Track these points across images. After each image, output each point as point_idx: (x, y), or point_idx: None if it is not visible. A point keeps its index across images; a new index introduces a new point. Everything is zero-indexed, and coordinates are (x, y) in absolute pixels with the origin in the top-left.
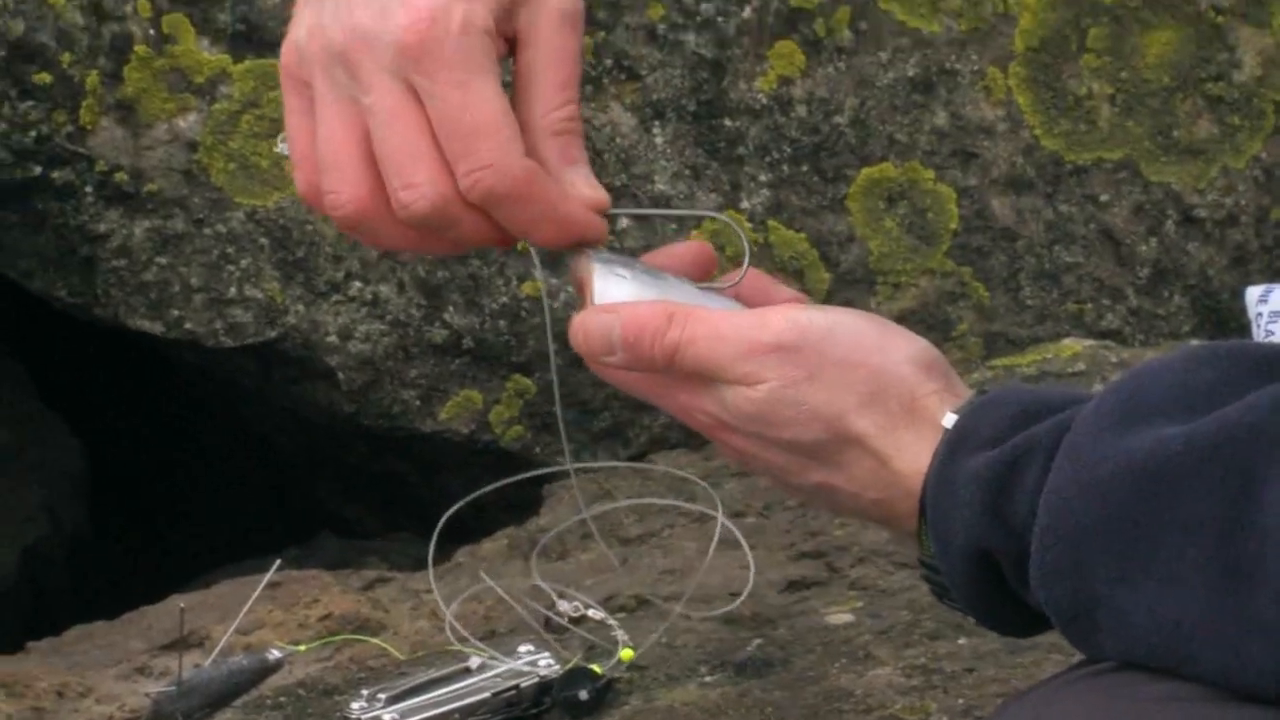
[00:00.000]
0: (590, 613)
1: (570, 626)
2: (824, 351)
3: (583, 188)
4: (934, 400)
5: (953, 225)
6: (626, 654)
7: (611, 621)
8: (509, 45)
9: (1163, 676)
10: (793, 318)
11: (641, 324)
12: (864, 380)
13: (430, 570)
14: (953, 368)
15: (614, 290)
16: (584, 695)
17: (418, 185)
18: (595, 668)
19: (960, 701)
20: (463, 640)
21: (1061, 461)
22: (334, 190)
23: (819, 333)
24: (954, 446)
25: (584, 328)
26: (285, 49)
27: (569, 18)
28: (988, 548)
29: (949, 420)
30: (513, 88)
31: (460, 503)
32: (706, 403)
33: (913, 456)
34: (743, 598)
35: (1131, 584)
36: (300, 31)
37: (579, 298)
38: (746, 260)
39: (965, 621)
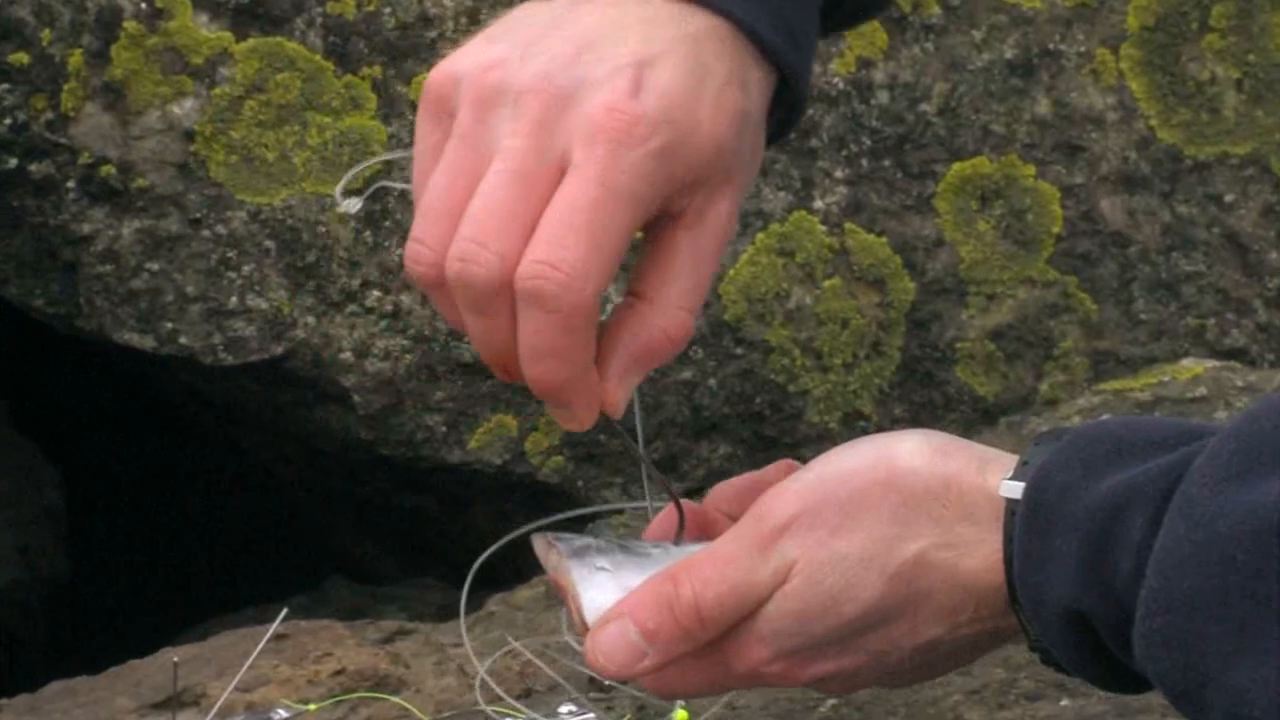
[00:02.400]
0: None
1: (617, 684)
2: (830, 500)
3: (620, 391)
4: (972, 477)
5: (1055, 228)
6: (682, 716)
7: None
8: (659, 211)
9: None
10: (779, 494)
11: (653, 607)
12: (886, 502)
13: (461, 619)
14: (1057, 391)
15: (602, 597)
16: None
17: (486, 247)
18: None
19: None
20: (495, 700)
21: (1173, 516)
22: (421, 240)
23: (813, 487)
24: (1037, 500)
25: (601, 649)
26: (438, 74)
27: (735, 217)
28: (1083, 610)
29: (1008, 489)
30: (649, 254)
31: (503, 540)
32: (758, 647)
33: (980, 546)
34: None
35: (1252, 659)
36: (468, 61)
37: (558, 592)
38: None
39: (1068, 680)
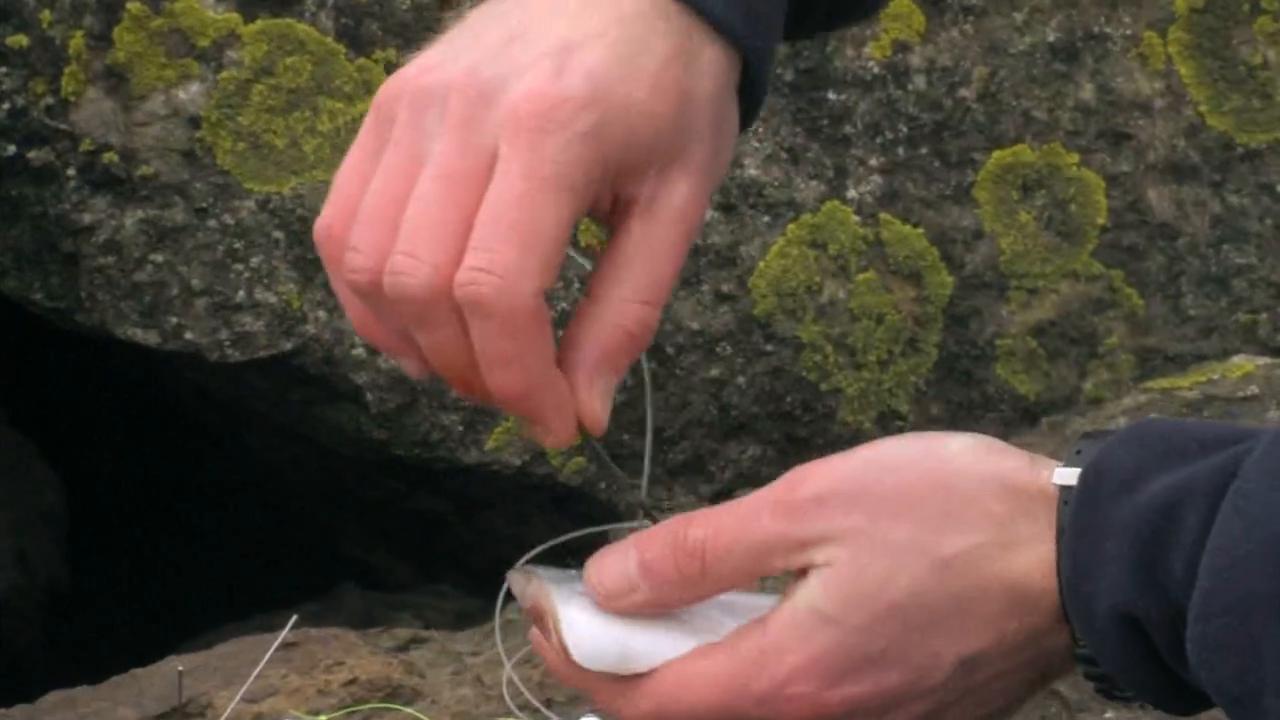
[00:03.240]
0: None
1: None
2: (874, 488)
3: (593, 399)
4: (1026, 474)
5: (1100, 220)
6: None
7: None
8: (613, 202)
9: None
10: (818, 467)
11: (657, 541)
12: (935, 496)
13: (497, 618)
14: (1102, 390)
15: (582, 616)
16: None
17: (418, 258)
18: None
19: None
20: (524, 706)
21: (1228, 514)
22: (359, 249)
23: (856, 472)
24: (1087, 498)
25: (597, 571)
26: (389, 82)
27: (699, 203)
28: (1136, 614)
29: (1061, 476)
30: (607, 249)
31: (542, 546)
32: (787, 649)
33: (1035, 544)
34: None
35: None
36: (413, 67)
37: (536, 623)
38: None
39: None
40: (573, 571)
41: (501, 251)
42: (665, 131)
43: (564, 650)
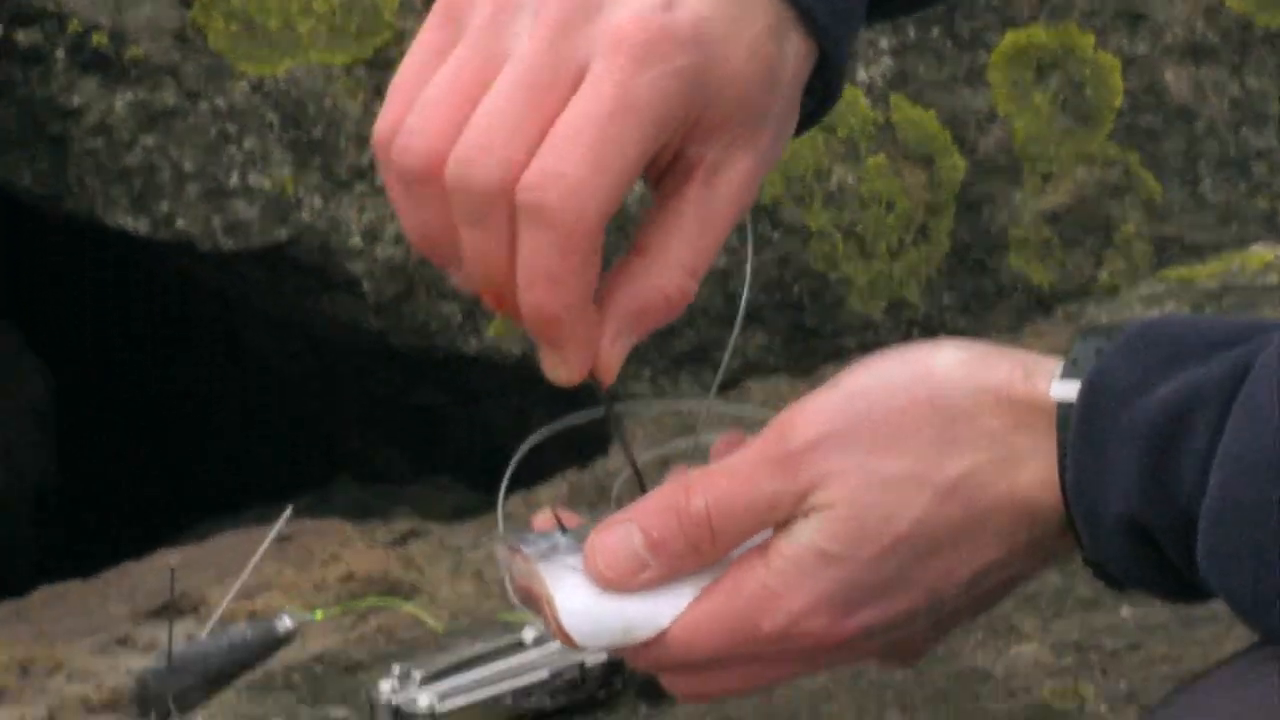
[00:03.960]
0: None
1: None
2: (864, 421)
3: (614, 352)
4: (1021, 385)
5: (1116, 102)
6: None
7: None
8: (671, 161)
9: None
10: (803, 411)
11: (660, 516)
12: (929, 421)
13: (500, 506)
14: (1117, 279)
15: (577, 596)
16: None
17: (490, 149)
18: None
19: (1122, 685)
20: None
21: (1239, 418)
22: (417, 131)
23: (842, 407)
24: (1089, 410)
25: (602, 555)
26: None
27: (755, 184)
28: (1145, 523)
29: (1059, 390)
30: (658, 206)
31: (546, 431)
32: (795, 588)
33: (1036, 456)
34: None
35: None
36: None
37: (530, 606)
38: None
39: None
40: (558, 537)
41: (576, 164)
42: (749, 100)
43: (564, 634)
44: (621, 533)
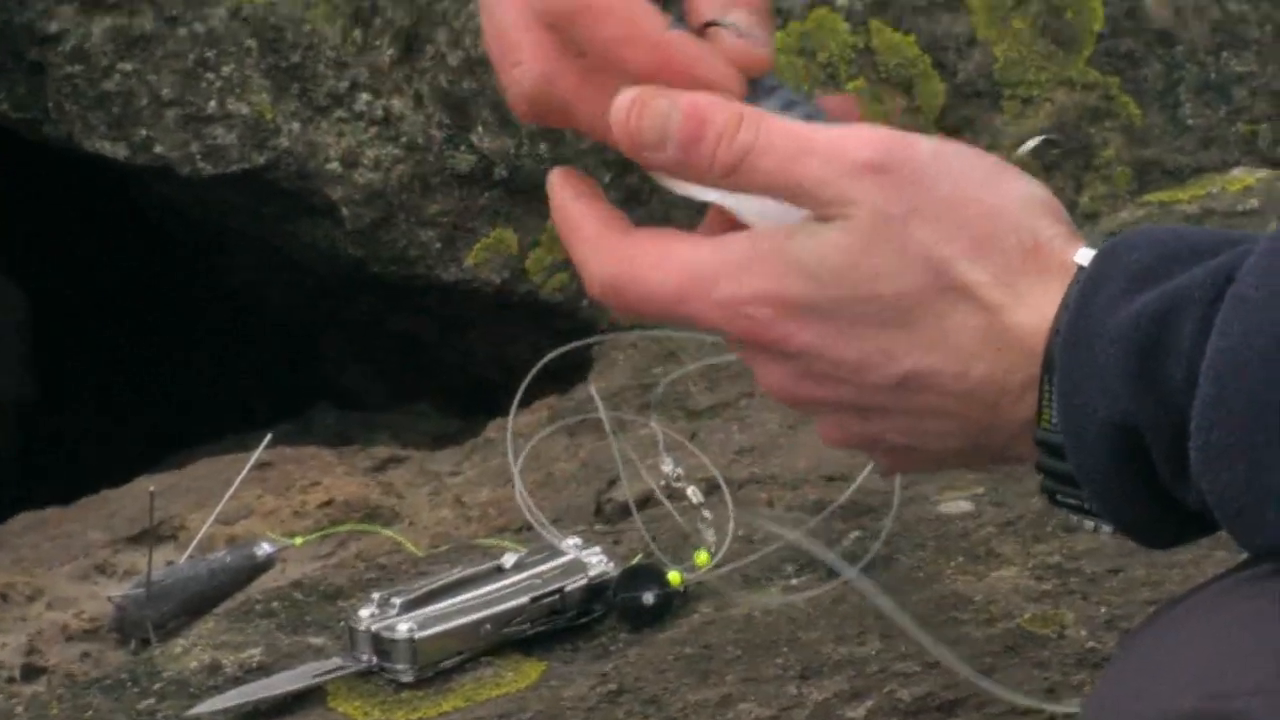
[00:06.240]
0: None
1: (635, 511)
2: (925, 182)
3: (717, 61)
4: (1059, 243)
5: (1096, 26)
6: (702, 558)
7: (699, 499)
8: None
9: None
10: (889, 134)
11: (706, 118)
12: (976, 219)
13: (511, 418)
14: (1098, 204)
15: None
16: (649, 599)
17: (521, 63)
18: (675, 573)
19: (1103, 610)
20: (505, 530)
21: (1229, 317)
22: (515, 58)
23: (923, 158)
24: (1087, 296)
25: (638, 105)
26: None
27: None
28: (1134, 423)
29: (1083, 256)
30: None
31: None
32: (768, 269)
33: (1035, 305)
34: (853, 487)
35: None
36: None
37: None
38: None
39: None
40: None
41: None
42: None
43: None
44: (666, 103)
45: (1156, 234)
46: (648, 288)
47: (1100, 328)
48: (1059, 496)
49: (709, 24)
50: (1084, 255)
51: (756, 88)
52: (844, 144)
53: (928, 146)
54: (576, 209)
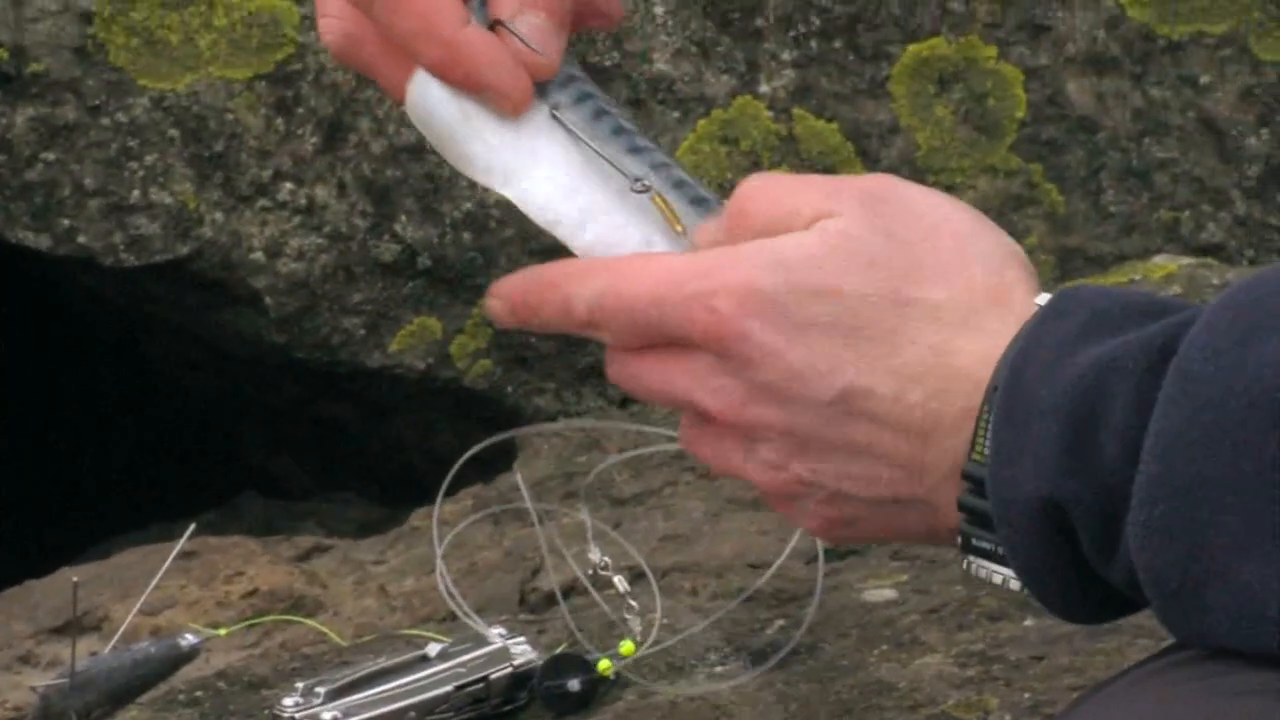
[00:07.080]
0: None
1: (561, 599)
2: (906, 212)
3: (506, 63)
4: (1021, 290)
5: (1019, 114)
6: (627, 648)
7: (625, 587)
8: None
9: (1269, 664)
10: (876, 176)
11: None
12: (949, 250)
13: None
14: None
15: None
16: (574, 686)
17: (328, 16)
18: (604, 661)
19: (1026, 696)
20: (429, 619)
21: (1173, 394)
22: (324, 10)
23: (912, 193)
24: (1014, 380)
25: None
26: None
27: None
28: (1061, 499)
29: (1044, 300)
30: None
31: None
32: (733, 270)
33: (987, 340)
34: (771, 571)
35: (1264, 552)
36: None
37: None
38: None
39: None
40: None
41: None
42: None
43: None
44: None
45: (1089, 296)
46: (629, 298)
47: (1033, 400)
48: (973, 541)
49: (497, 23)
50: (1045, 299)
51: (549, 84)
52: (829, 184)
53: (918, 188)
54: (539, 272)
